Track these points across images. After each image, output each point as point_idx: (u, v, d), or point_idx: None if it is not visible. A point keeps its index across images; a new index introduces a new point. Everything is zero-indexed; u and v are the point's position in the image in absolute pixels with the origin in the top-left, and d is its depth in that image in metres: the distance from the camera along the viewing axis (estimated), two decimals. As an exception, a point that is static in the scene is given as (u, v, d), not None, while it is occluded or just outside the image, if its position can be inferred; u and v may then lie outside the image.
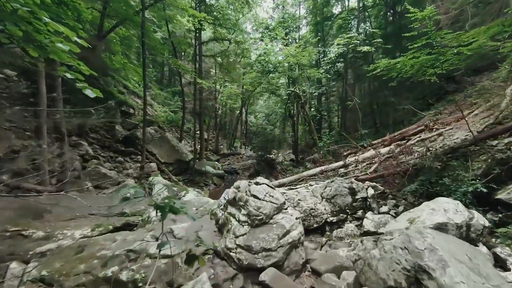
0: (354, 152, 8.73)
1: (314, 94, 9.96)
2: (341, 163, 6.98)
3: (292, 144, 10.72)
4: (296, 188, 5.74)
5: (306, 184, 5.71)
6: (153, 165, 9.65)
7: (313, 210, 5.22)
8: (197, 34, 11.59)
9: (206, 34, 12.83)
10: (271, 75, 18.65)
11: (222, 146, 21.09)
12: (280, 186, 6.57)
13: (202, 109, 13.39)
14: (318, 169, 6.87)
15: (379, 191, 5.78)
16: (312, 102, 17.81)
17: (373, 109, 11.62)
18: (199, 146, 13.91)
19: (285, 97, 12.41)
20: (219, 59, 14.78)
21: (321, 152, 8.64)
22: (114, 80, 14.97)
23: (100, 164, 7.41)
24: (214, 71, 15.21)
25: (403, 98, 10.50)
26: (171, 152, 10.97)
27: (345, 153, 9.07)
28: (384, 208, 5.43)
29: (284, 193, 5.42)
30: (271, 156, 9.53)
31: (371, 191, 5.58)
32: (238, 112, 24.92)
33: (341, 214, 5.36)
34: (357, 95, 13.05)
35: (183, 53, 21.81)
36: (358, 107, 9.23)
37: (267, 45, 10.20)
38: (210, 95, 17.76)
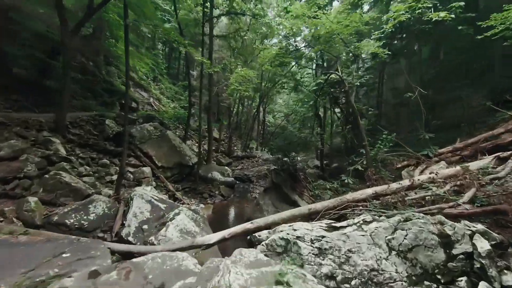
0: (413, 164, 6.18)
1: (357, 83, 7.54)
2: (406, 183, 4.53)
3: (318, 147, 8.34)
4: (341, 226, 3.44)
5: (357, 221, 3.38)
6: (147, 170, 7.77)
7: (376, 274, 2.95)
8: (206, 4, 9.45)
9: (216, 12, 10.84)
10: (293, 68, 16.28)
11: (236, 148, 19.10)
12: (311, 214, 4.28)
13: (211, 103, 11.40)
14: (369, 191, 4.48)
15: (493, 241, 3.30)
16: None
17: (427, 104, 8.75)
18: (207, 147, 11.95)
19: (314, 87, 9.97)
20: (232, 41, 12.71)
21: (366, 163, 6.20)
22: (118, 71, 13.53)
23: (69, 169, 5.62)
24: (226, 61, 13.25)
25: (474, 93, 7.71)
26: (171, 154, 9.07)
27: (398, 165, 6.53)
28: (509, 277, 3.02)
29: (323, 237, 3.22)
30: (294, 163, 7.18)
31: (482, 243, 3.19)
32: (254, 110, 22.77)
33: (426, 283, 3.05)
34: (404, 86, 10.26)
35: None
36: (419, 101, 6.61)
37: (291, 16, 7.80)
38: (223, 88, 15.80)
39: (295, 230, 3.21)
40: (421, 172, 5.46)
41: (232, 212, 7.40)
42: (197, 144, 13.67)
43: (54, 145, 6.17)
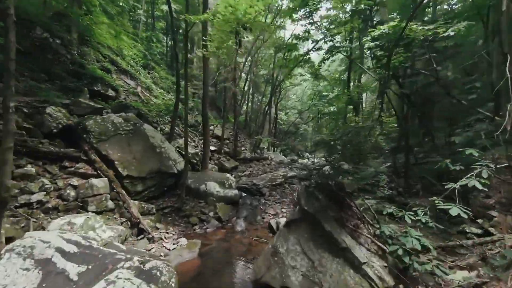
0: None
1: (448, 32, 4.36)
2: None
3: (378, 145, 4.99)
4: None
5: None
6: (99, 183, 4.97)
7: None
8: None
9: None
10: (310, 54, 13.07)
11: (244, 148, 16.17)
12: None
13: (206, 90, 8.49)
14: None
15: None
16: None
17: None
18: (203, 148, 9.10)
19: (369, 44, 6.46)
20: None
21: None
22: (98, 53, 10.95)
23: None
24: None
25: None
26: (146, 158, 6.25)
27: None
28: None
29: None
30: (338, 176, 4.02)
31: None
32: (265, 106, 19.72)
33: None
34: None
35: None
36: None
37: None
38: (228, 74, 12.88)
39: None
40: None
41: (230, 259, 4.41)
42: (194, 144, 10.85)
43: None
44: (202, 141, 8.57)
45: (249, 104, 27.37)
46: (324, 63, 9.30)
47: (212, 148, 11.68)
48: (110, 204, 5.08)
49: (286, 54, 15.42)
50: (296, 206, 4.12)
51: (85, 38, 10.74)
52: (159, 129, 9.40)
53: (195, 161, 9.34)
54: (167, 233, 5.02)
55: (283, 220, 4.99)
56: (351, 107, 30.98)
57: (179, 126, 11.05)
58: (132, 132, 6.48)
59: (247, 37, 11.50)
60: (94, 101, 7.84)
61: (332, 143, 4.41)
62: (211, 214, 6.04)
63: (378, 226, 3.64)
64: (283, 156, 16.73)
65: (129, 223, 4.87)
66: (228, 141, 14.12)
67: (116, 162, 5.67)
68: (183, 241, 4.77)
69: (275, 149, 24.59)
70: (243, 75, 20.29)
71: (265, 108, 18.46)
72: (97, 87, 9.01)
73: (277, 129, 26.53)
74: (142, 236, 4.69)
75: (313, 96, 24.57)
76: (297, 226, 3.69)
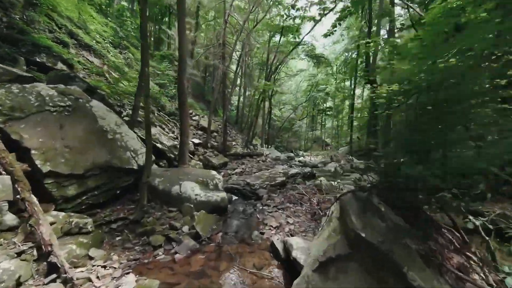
0: None
1: None
2: None
3: None
4: None
5: None
6: (-11, 183, 2.93)
7: None
8: None
9: None
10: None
11: (235, 143, 14.22)
12: None
13: (183, 61, 6.47)
14: None
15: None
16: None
17: None
18: (180, 137, 7.10)
19: None
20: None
21: None
22: (50, 21, 8.75)
23: None
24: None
25: None
26: (88, 146, 4.22)
27: None
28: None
29: None
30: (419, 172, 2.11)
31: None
32: (259, 96, 17.80)
33: None
34: None
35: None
36: None
37: None
38: (216, 49, 10.88)
39: None
40: None
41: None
42: (172, 134, 8.80)
43: None
44: (180, 129, 6.55)
45: (241, 98, 25.45)
46: (339, 24, 7.49)
47: (196, 141, 9.70)
48: (10, 218, 3.04)
49: (284, 37, 13.66)
50: (341, 243, 2.19)
51: (34, 2, 8.51)
52: (124, 114, 7.33)
53: (174, 156, 7.35)
54: (105, 266, 3.03)
55: (295, 241, 3.11)
56: (347, 102, 29.49)
57: (155, 113, 9.00)
58: (70, 110, 4.42)
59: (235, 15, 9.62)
60: (27, 70, 5.72)
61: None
62: (185, 228, 4.08)
63: (500, 268, 1.81)
64: (279, 153, 14.90)
65: (35, 252, 2.85)
66: (216, 134, 12.14)
67: (33, 152, 3.62)
68: (130, 281, 2.80)
69: (269, 145, 22.77)
70: (233, 68, 18.36)
71: (258, 98, 16.51)
72: (40, 58, 6.87)
73: (271, 125, 24.71)
74: (54, 276, 2.68)
75: (310, 88, 22.88)
76: (343, 271, 1.79)
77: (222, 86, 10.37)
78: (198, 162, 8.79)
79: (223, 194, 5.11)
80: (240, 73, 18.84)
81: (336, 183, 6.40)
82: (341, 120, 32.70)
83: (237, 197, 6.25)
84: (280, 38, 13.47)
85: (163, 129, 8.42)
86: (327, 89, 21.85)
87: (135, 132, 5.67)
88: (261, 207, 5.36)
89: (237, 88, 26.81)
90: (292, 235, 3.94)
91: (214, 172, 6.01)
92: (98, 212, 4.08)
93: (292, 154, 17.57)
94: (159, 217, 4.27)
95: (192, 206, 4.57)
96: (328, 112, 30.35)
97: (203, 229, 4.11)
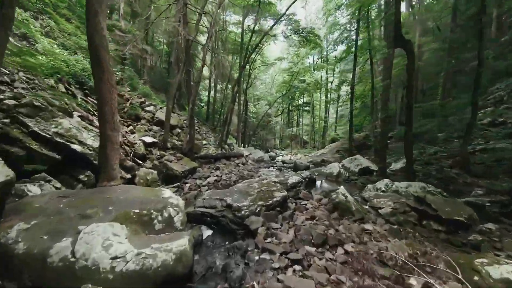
0: None
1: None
2: None
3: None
4: None
5: None
6: None
7: None
8: None
9: None
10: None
11: (206, 143, 11.42)
12: None
13: (99, 28, 3.58)
14: None
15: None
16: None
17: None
18: (100, 133, 4.19)
19: None
20: None
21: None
22: None
23: None
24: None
25: None
26: None
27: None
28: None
29: None
30: None
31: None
32: (234, 85, 15.13)
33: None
34: None
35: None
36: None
37: None
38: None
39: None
40: None
41: None
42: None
43: None
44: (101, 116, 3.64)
45: (212, 92, 22.53)
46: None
47: (148, 139, 6.80)
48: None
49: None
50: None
51: None
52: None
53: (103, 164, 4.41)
54: None
55: None
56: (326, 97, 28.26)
57: (77, 98, 5.87)
58: None
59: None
60: None
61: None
62: None
63: None
64: (262, 153, 12.47)
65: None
66: (180, 131, 9.25)
67: None
68: None
69: (245, 145, 20.28)
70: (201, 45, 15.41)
71: (233, 88, 13.82)
72: None
73: (247, 122, 22.21)
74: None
75: (290, 78, 20.80)
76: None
77: (185, 60, 7.47)
78: (151, 170, 5.94)
79: (182, 243, 2.45)
80: (210, 61, 15.98)
81: (365, 198, 4.17)
82: (317, 117, 31.56)
83: (210, 231, 3.66)
84: (258, 11, 11.07)
85: (91, 121, 5.39)
86: (308, 80, 20.11)
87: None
88: (256, 258, 2.82)
89: (206, 81, 23.82)
90: None
91: (166, 193, 3.29)
92: None
93: (273, 154, 15.33)
94: None
95: (100, 290, 1.86)
96: (306, 108, 28.91)
97: None
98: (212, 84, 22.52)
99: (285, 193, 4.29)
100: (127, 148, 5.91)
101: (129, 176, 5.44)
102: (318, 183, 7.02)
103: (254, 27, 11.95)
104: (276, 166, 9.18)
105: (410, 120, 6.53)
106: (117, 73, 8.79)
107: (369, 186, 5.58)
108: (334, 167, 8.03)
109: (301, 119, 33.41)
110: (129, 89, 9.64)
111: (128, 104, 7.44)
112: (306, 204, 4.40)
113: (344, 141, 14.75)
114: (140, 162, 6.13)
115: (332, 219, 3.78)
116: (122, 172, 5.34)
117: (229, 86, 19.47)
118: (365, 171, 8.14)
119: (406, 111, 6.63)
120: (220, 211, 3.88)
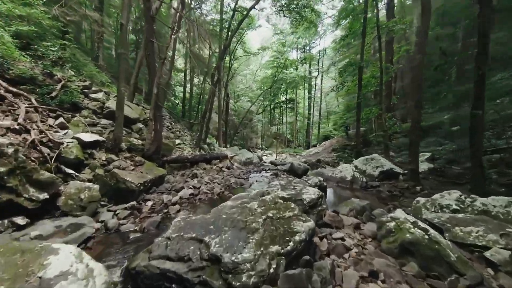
0: None
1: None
2: None
3: None
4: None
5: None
6: None
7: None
8: None
9: None
10: None
11: (180, 142, 9.30)
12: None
13: None
14: None
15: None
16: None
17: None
18: None
19: None
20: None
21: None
22: None
23: None
24: None
25: None
26: None
27: None
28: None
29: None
30: None
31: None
32: (213, 76, 13.06)
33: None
34: None
35: None
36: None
37: None
38: None
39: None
40: None
41: None
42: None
43: None
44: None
45: (188, 86, 20.22)
46: None
47: (88, 137, 4.63)
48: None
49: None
50: None
51: None
52: None
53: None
54: None
55: None
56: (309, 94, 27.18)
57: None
58: None
59: None
60: None
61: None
62: None
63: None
64: (250, 153, 10.61)
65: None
66: (143, 126, 7.08)
67: None
68: None
69: (227, 144, 18.28)
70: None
71: (212, 76, 11.74)
72: None
73: (228, 120, 20.16)
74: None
75: (276, 70, 19.11)
76: None
77: (146, 28, 5.32)
78: (89, 184, 3.81)
79: None
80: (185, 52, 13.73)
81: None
82: (300, 114, 30.38)
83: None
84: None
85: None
86: (294, 73, 18.66)
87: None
88: None
89: (181, 75, 21.36)
90: None
91: (57, 256, 1.32)
92: None
93: (260, 154, 13.58)
94: None
95: None
96: (289, 105, 27.56)
97: None
98: (188, 78, 20.17)
99: (310, 222, 2.49)
100: (44, 150, 3.72)
101: (43, 197, 3.29)
102: (328, 191, 5.36)
103: (235, 5, 10.07)
104: (269, 170, 7.41)
105: (481, 97, 4.78)
106: (52, 49, 6.39)
107: (421, 200, 3.87)
108: (346, 170, 6.47)
109: (284, 117, 32.05)
110: (73, 73, 7.22)
111: (58, 87, 5.16)
112: (343, 239, 2.64)
113: (340, 138, 13.44)
114: (71, 171, 3.97)
115: (411, 278, 2.05)
116: (29, 190, 3.20)
117: (208, 79, 17.30)
118: (389, 175, 6.65)
119: (476, 85, 4.93)
120: (197, 269, 1.98)
